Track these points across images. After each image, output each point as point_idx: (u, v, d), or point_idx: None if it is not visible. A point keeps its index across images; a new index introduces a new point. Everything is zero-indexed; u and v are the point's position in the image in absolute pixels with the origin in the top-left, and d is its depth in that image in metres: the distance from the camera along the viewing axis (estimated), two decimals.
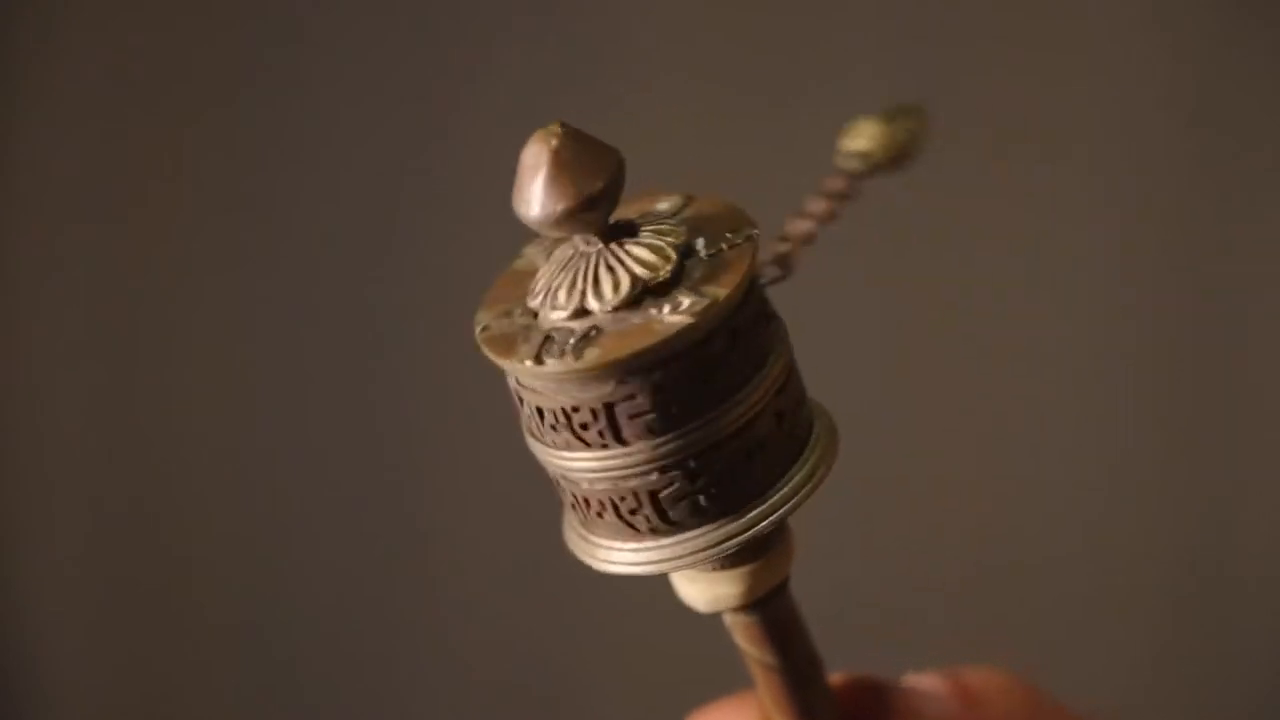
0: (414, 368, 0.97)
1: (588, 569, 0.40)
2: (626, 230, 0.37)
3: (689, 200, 0.39)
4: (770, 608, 0.41)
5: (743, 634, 0.42)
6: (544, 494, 0.43)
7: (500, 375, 0.38)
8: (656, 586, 0.42)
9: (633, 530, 0.38)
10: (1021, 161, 0.94)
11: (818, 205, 0.40)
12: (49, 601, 0.99)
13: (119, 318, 0.99)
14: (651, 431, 0.36)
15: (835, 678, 0.46)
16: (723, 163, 0.93)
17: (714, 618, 0.42)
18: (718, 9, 0.95)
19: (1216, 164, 0.93)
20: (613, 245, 0.37)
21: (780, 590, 0.41)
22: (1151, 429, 0.95)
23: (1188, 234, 0.94)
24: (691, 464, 0.37)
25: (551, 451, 0.38)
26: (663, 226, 0.38)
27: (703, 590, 0.40)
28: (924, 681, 0.46)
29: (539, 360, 0.36)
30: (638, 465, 0.37)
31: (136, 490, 0.99)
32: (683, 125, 0.95)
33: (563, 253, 0.38)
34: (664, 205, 0.39)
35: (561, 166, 0.36)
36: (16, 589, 0.99)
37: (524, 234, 0.39)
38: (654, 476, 0.37)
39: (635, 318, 0.36)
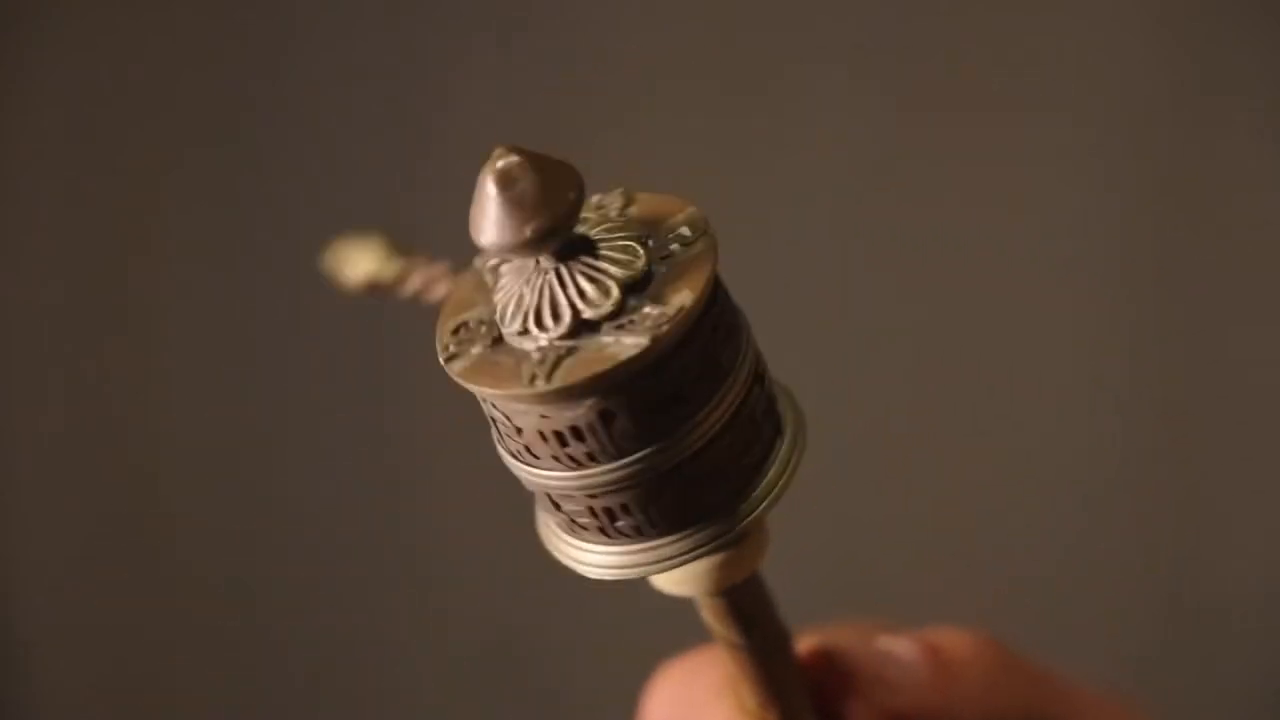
0: (396, 358, 0.97)
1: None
2: (584, 246, 0.36)
3: (630, 199, 0.38)
4: (738, 592, 0.40)
5: (710, 613, 0.42)
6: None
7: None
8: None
9: (603, 535, 0.37)
10: (1011, 158, 0.94)
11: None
12: (39, 597, 0.99)
13: (113, 316, 0.99)
14: (620, 450, 0.36)
15: (805, 643, 0.45)
16: (705, 160, 0.93)
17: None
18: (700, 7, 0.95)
19: (1213, 155, 0.93)
20: (571, 264, 0.36)
21: (750, 578, 0.40)
22: (1136, 445, 0.95)
23: (1185, 234, 0.94)
24: (660, 478, 0.36)
25: (524, 468, 0.37)
26: (615, 231, 0.37)
27: (674, 578, 0.40)
28: (893, 646, 0.45)
29: (528, 382, 0.35)
30: (607, 482, 0.36)
31: (126, 484, 0.99)
32: (667, 122, 0.95)
33: (521, 269, 0.36)
34: (609, 203, 0.38)
35: (516, 197, 0.35)
36: (8, 587, 0.99)
37: None
38: (623, 491, 0.36)
39: (605, 336, 0.35)
